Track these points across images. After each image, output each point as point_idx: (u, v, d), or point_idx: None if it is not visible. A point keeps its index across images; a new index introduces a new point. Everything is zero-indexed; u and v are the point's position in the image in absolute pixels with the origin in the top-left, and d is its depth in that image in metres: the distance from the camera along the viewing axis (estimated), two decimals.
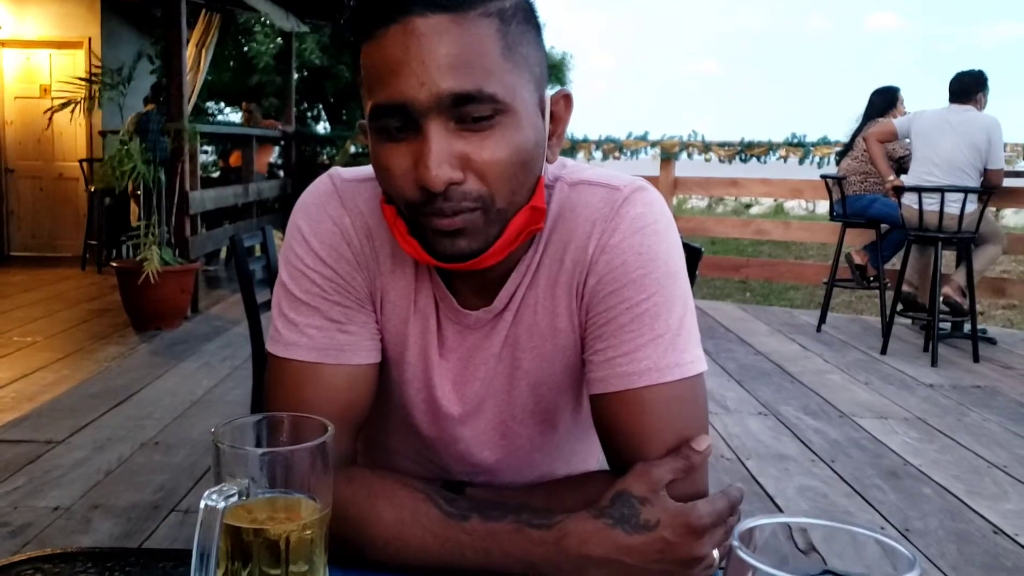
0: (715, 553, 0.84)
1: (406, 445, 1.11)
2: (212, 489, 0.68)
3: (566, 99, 0.94)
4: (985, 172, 5.36)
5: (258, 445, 0.76)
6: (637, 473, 0.87)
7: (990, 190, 5.38)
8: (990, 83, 5.48)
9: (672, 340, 0.93)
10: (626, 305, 0.94)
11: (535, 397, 1.03)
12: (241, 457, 0.72)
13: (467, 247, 0.87)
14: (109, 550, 0.88)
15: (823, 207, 6.92)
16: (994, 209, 10.86)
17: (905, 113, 5.94)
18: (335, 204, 0.99)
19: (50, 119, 5.84)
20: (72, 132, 8.63)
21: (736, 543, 0.42)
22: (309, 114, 14.72)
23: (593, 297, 0.96)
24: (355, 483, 0.88)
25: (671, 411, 0.91)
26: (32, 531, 2.78)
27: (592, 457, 1.11)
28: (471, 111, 0.82)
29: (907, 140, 5.63)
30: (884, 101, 6.10)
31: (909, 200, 5.39)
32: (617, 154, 8.14)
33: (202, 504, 0.67)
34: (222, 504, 0.67)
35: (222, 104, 14.57)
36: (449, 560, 0.85)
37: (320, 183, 1.02)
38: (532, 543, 0.83)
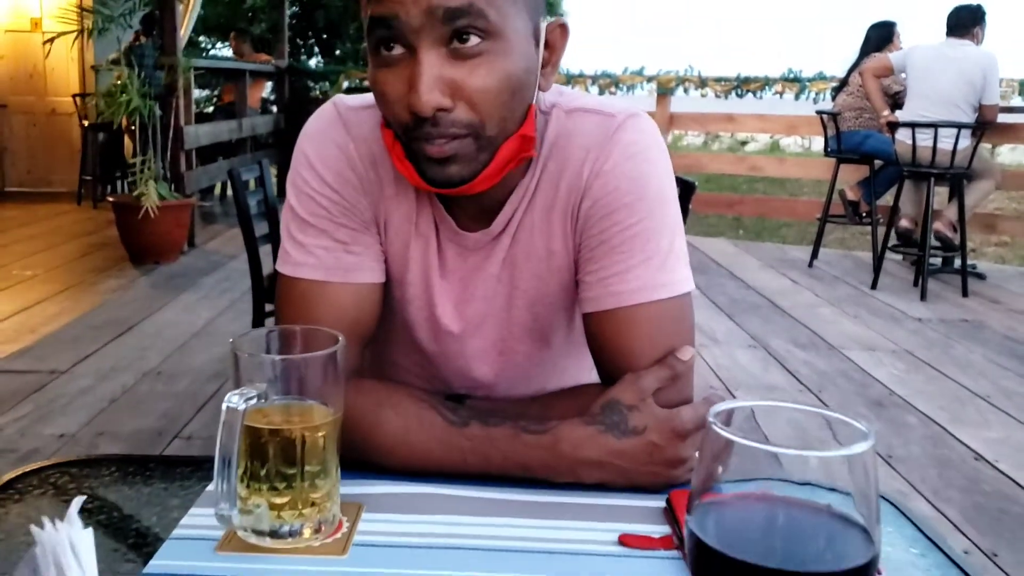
0: (698, 455, 0.90)
1: (410, 361, 1.16)
2: (233, 392, 0.73)
3: (561, 28, 0.97)
4: (980, 108, 5.36)
5: (272, 354, 0.81)
6: (626, 382, 0.93)
7: (984, 126, 5.40)
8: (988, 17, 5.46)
9: (662, 261, 0.98)
10: (618, 228, 0.98)
11: (532, 315, 1.08)
12: (259, 364, 0.77)
13: (457, 173, 0.91)
14: (131, 456, 0.94)
15: (818, 144, 6.92)
16: (989, 146, 10.88)
17: (901, 48, 5.92)
18: (340, 130, 1.03)
19: (47, 54, 5.77)
20: (65, 67, 8.54)
21: (712, 419, 0.47)
22: (302, 47, 14.57)
23: (587, 220, 1.00)
24: (364, 393, 0.94)
25: (659, 328, 0.97)
26: (39, 457, 2.86)
27: (584, 374, 1.17)
28: (462, 28, 0.84)
29: (903, 75, 5.63)
30: (880, 36, 6.07)
31: (903, 136, 5.40)
32: (613, 89, 8.11)
33: (224, 406, 0.72)
34: (243, 406, 0.73)
35: (215, 40, 14.41)
36: (451, 464, 0.91)
37: (325, 110, 1.05)
38: (528, 447, 0.89)
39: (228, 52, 13.16)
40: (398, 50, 0.86)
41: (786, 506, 0.47)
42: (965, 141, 5.26)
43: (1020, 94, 6.55)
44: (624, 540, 0.80)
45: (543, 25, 0.94)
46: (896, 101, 5.77)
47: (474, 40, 0.85)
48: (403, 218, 1.04)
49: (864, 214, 6.26)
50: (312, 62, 14.63)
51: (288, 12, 10.00)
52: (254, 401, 0.74)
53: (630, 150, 1.00)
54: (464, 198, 0.98)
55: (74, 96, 8.27)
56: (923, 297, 5.34)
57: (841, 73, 6.52)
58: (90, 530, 0.61)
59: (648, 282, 0.97)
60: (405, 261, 1.06)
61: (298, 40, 14.18)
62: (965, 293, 5.46)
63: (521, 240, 1.04)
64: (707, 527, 0.47)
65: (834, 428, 0.48)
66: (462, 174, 0.91)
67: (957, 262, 5.59)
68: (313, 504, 0.78)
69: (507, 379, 1.13)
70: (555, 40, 0.96)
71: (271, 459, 0.77)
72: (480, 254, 1.06)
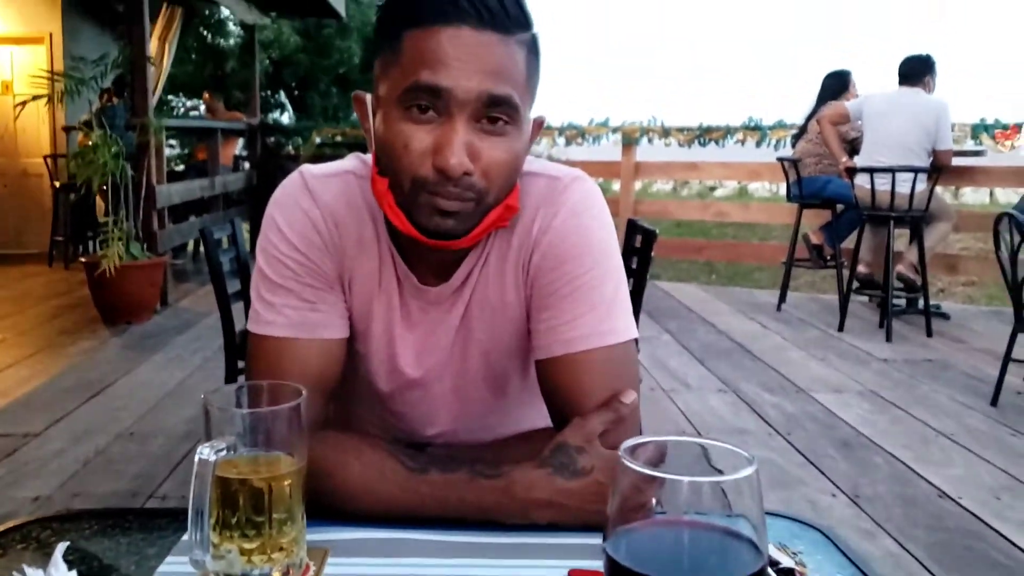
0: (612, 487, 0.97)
1: (371, 413, 1.23)
2: (204, 445, 0.79)
3: (539, 123, 1.08)
4: (934, 152, 5.53)
5: (241, 408, 0.87)
6: (574, 426, 1.00)
7: (939, 169, 5.56)
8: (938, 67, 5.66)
9: (607, 310, 1.06)
10: (566, 279, 1.07)
11: (486, 364, 1.16)
12: (228, 417, 0.83)
13: (454, 228, 1.00)
14: (110, 510, 0.99)
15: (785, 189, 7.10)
16: (954, 188, 11.11)
17: (857, 96, 6.10)
18: (306, 197, 1.10)
19: (17, 115, 5.82)
20: (36, 128, 8.59)
21: (622, 454, 0.54)
22: (272, 101, 14.75)
23: (537, 272, 1.10)
24: (328, 443, 1.00)
25: (606, 372, 1.04)
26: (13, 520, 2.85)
27: (540, 421, 1.21)
28: (495, 113, 0.96)
29: (859, 122, 5.79)
30: (837, 84, 6.26)
31: (862, 180, 5.55)
32: (579, 140, 8.25)
33: (196, 458, 0.78)
34: (213, 457, 0.78)
35: (183, 98, 14.55)
36: (412, 509, 0.96)
37: (292, 179, 1.13)
38: (483, 491, 0.95)
39: (199, 109, 13.30)
40: (432, 113, 0.96)
41: (689, 528, 0.53)
42: (922, 185, 5.41)
43: (973, 138, 6.75)
44: (573, 575, 0.85)
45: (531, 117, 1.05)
46: (853, 147, 5.93)
47: (501, 123, 0.97)
48: (367, 276, 1.12)
49: (828, 257, 6.38)
50: (284, 117, 14.80)
51: (259, 69, 10.12)
52: (224, 453, 0.79)
53: (576, 208, 1.09)
54: (428, 253, 1.06)
55: (45, 157, 8.30)
56: (888, 338, 5.45)
57: (800, 120, 6.69)
58: (74, 572, 0.66)
59: (595, 329, 1.05)
60: (368, 316, 1.13)
61: (270, 91, 14.35)
62: (929, 333, 5.57)
63: (478, 293, 1.12)
64: (620, 549, 0.53)
65: (726, 458, 0.54)
66: (457, 229, 1.00)
67: (921, 303, 5.71)
68: (281, 549, 0.83)
69: (465, 427, 1.20)
70: (534, 130, 1.07)
71: (241, 507, 0.82)
72: (442, 307, 1.13)
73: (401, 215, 1.01)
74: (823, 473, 3.32)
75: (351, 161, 1.15)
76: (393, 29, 0.99)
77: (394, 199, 1.01)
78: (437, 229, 0.99)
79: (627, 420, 1.02)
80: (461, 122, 0.95)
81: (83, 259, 6.04)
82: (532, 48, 1.01)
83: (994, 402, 4.15)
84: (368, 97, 1.07)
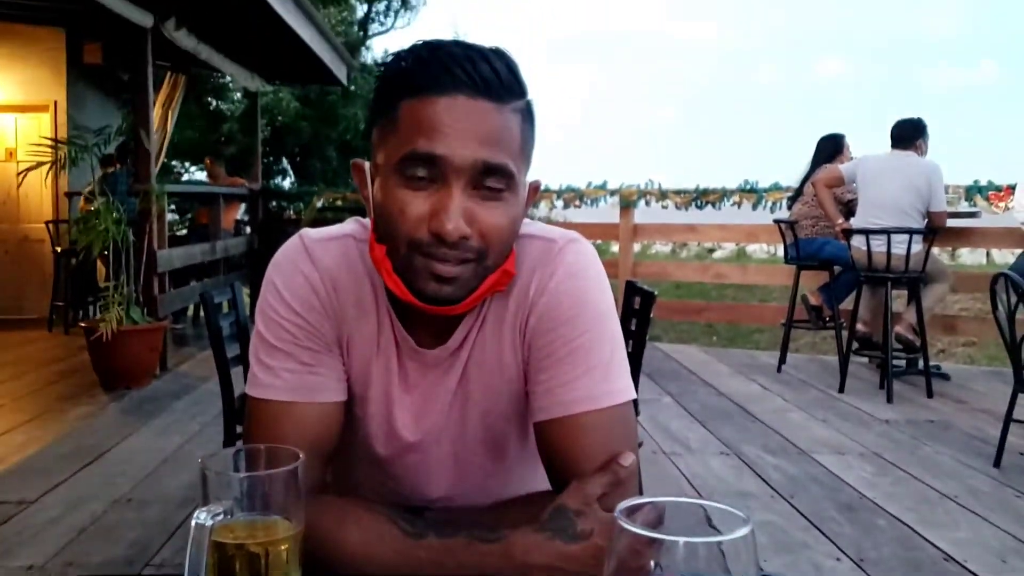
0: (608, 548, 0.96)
1: (370, 478, 1.22)
2: (201, 509, 0.78)
3: (535, 189, 1.11)
4: (928, 214, 5.57)
5: (239, 472, 0.87)
6: (572, 489, 0.99)
7: (934, 231, 5.60)
8: (930, 129, 5.73)
9: (604, 371, 1.07)
10: (563, 341, 1.08)
11: (484, 426, 1.16)
12: (225, 481, 0.83)
13: (452, 293, 1.01)
14: None
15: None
16: (950, 249, 11.17)
17: (851, 159, 6.17)
18: (305, 261, 1.12)
19: (20, 184, 5.88)
20: (38, 193, 8.65)
21: (618, 514, 0.54)
22: (275, 168, 14.91)
23: (534, 334, 1.10)
24: (326, 508, 0.99)
25: (604, 434, 1.04)
26: None
27: (539, 484, 1.21)
28: (491, 180, 0.98)
29: (854, 184, 5.84)
30: (831, 147, 6.34)
31: (858, 242, 5.58)
32: (578, 203, 8.31)
33: (193, 522, 0.77)
34: (210, 522, 0.78)
35: (187, 163, 14.72)
36: (410, 574, 0.96)
37: (292, 243, 1.15)
38: (482, 555, 0.95)
39: (201, 175, 13.45)
40: (429, 180, 0.98)
41: None
42: (917, 246, 5.44)
43: (967, 200, 6.82)
44: None
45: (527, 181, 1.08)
46: (849, 209, 5.97)
47: (498, 188, 0.99)
48: (365, 338, 1.13)
49: (827, 318, 6.39)
50: (285, 183, 14.95)
51: (260, 136, 10.23)
52: (221, 517, 0.79)
53: (572, 270, 1.11)
54: (426, 317, 1.07)
55: (47, 223, 8.35)
56: (889, 399, 5.43)
57: (795, 183, 6.75)
58: None
59: (592, 391, 1.05)
60: (367, 379, 1.14)
61: (271, 157, 14.52)
62: (930, 394, 5.54)
63: (475, 355, 1.13)
64: None
65: (721, 518, 0.54)
66: (457, 294, 1.01)
67: (921, 364, 5.70)
68: None
69: (464, 491, 1.19)
70: (530, 194, 1.10)
71: (238, 573, 0.82)
72: (439, 369, 1.14)
73: (399, 281, 1.02)
74: (827, 536, 3.28)
75: (350, 225, 1.16)
76: (390, 98, 1.02)
77: (391, 265, 1.02)
78: (435, 295, 1.01)
79: (626, 482, 1.01)
80: (458, 189, 0.97)
81: (83, 324, 6.05)
82: (526, 115, 1.03)
83: (997, 463, 4.11)
84: (367, 165, 1.09)
